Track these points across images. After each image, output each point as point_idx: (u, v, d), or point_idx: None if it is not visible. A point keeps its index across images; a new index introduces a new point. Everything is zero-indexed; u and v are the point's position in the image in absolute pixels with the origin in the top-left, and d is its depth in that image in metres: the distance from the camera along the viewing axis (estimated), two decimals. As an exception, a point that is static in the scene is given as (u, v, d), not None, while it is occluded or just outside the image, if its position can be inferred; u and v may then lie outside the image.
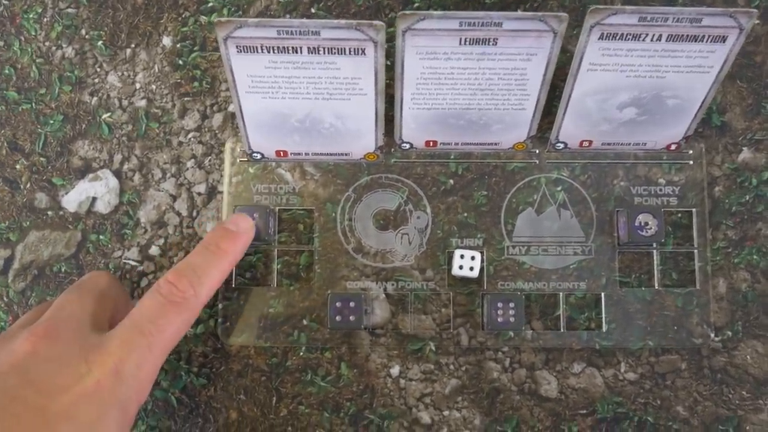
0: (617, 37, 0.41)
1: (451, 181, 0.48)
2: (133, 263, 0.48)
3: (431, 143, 0.48)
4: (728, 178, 0.49)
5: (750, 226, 0.48)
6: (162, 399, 0.47)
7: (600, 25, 0.40)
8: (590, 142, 0.48)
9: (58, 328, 0.38)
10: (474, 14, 0.39)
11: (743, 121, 0.49)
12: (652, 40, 0.41)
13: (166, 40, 0.50)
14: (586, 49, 0.41)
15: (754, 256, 0.48)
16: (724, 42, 0.41)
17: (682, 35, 0.40)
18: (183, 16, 0.50)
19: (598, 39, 0.41)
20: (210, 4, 0.49)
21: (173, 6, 0.50)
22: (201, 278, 0.41)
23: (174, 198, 0.49)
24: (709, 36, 0.41)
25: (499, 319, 0.46)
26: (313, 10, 0.50)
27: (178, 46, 0.50)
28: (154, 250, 0.48)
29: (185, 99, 0.49)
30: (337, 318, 0.46)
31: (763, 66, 0.49)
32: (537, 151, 0.49)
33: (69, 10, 0.50)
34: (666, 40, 0.41)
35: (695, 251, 0.48)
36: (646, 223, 0.46)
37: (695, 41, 0.41)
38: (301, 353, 0.47)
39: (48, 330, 0.37)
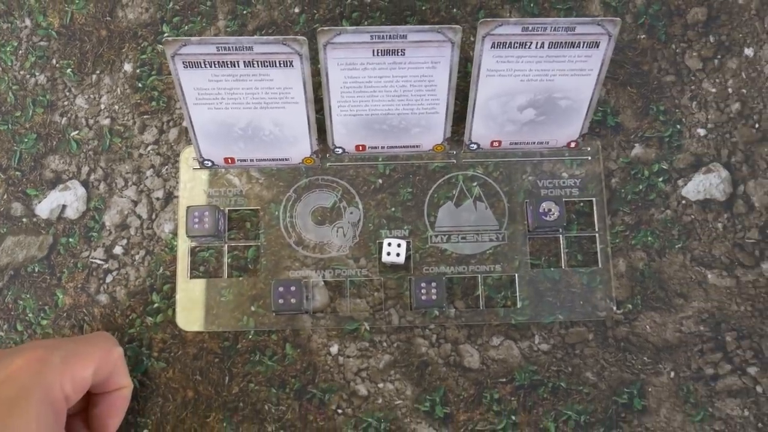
0: (507, 46, 0.48)
1: (380, 181, 0.55)
2: (99, 262, 0.54)
3: (361, 147, 0.55)
4: (623, 170, 0.56)
5: (644, 211, 0.55)
6: (125, 383, 0.52)
7: (490, 35, 0.47)
8: (499, 142, 0.55)
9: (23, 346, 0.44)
10: (382, 28, 0.46)
11: (634, 121, 0.56)
12: (536, 47, 0.48)
13: (127, 66, 0.57)
14: (482, 57, 0.49)
15: (649, 238, 0.54)
16: (597, 47, 0.48)
17: (561, 42, 0.48)
18: (142, 45, 0.57)
19: (491, 47, 0.48)
20: (166, 35, 0.57)
21: (133, 37, 0.57)
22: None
23: (135, 203, 0.55)
24: (584, 42, 0.48)
25: (423, 298, 0.52)
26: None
27: (138, 71, 0.57)
28: (117, 250, 0.54)
29: (144, 117, 0.56)
30: (280, 301, 0.51)
31: (650, 74, 0.57)
32: (454, 152, 0.55)
33: (41, 43, 0.57)
34: (548, 47, 0.48)
35: (597, 235, 0.54)
36: (549, 210, 0.53)
37: (573, 47, 0.48)
38: (250, 336, 0.53)
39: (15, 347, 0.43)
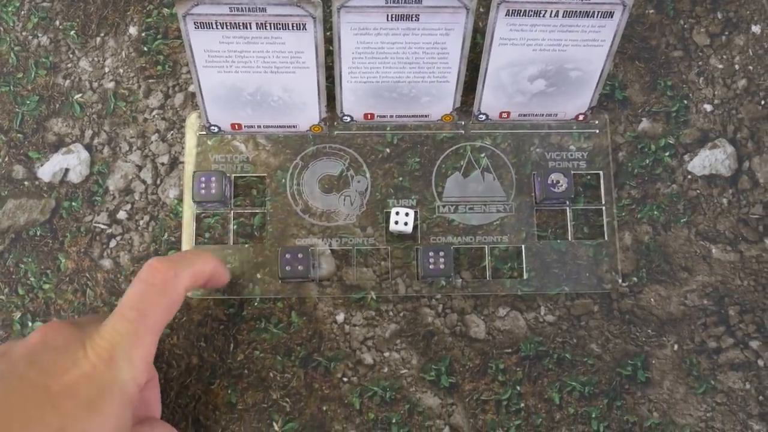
0: (521, 14, 0.48)
1: (388, 150, 0.55)
2: (103, 227, 0.53)
3: (369, 116, 0.54)
4: (630, 144, 0.56)
5: (650, 186, 0.55)
6: (128, 349, 0.52)
7: (506, 2, 0.47)
8: (508, 113, 0.54)
9: (64, 323, 0.42)
10: (398, -8, 0.46)
11: (642, 95, 0.56)
12: (551, 15, 0.48)
13: (132, 30, 0.56)
14: (496, 25, 0.48)
15: (655, 212, 0.55)
16: (611, 17, 0.48)
17: (576, 11, 0.48)
18: (147, 8, 0.56)
19: (506, 15, 0.48)
20: (172, -2, 0.56)
21: (139, 0, 0.56)
22: (181, 263, 0.44)
23: (140, 168, 0.54)
24: (598, 12, 0.48)
25: (431, 266, 0.52)
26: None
27: (143, 34, 0.56)
28: (121, 215, 0.53)
29: (150, 81, 0.55)
30: (287, 268, 0.51)
31: (658, 49, 0.57)
32: (463, 123, 0.55)
33: (44, 3, 0.56)
34: (563, 16, 0.48)
35: (603, 208, 0.54)
36: (558, 181, 0.53)
37: (587, 16, 0.48)
38: (256, 304, 0.53)
39: (56, 323, 0.42)
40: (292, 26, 0.47)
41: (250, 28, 0.47)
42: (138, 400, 0.42)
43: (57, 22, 0.55)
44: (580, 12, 0.48)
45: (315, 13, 0.46)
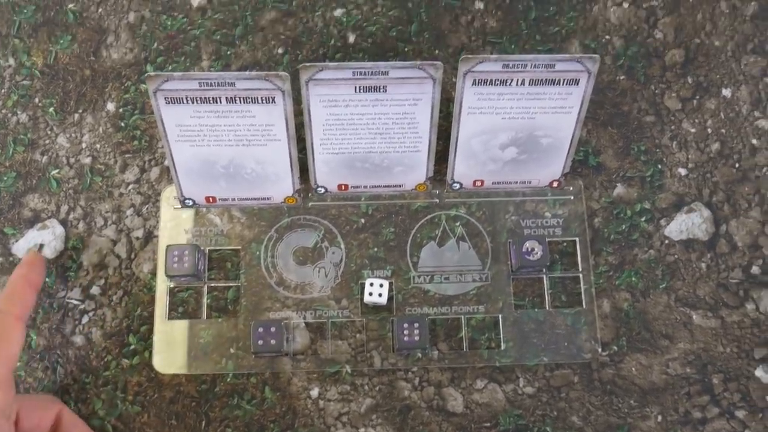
0: (488, 83, 0.48)
1: (363, 220, 0.55)
2: (76, 302, 0.53)
3: (343, 187, 0.54)
4: (606, 210, 0.55)
5: (627, 251, 0.55)
6: (99, 427, 0.51)
7: (471, 72, 0.48)
8: (482, 181, 0.54)
9: None
10: (363, 64, 0.47)
11: (616, 161, 0.56)
12: (517, 84, 0.48)
13: (110, 106, 0.56)
14: (463, 95, 0.49)
15: (633, 278, 0.54)
16: (577, 84, 0.49)
17: (542, 79, 0.48)
18: (125, 84, 0.57)
19: (472, 84, 0.48)
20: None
21: (117, 77, 0.57)
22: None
23: (114, 243, 0.54)
24: (563, 79, 0.48)
25: (406, 339, 0.51)
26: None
27: (121, 110, 0.56)
28: (95, 290, 0.53)
29: (126, 156, 0.56)
30: (260, 342, 0.50)
31: (630, 114, 0.57)
32: (437, 192, 0.55)
33: (24, 81, 0.57)
34: (529, 84, 0.48)
35: (580, 275, 0.54)
36: (533, 249, 0.52)
37: (553, 84, 0.48)
38: (229, 379, 0.52)
39: None
40: (262, 100, 0.48)
41: (220, 103, 0.48)
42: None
43: (36, 100, 0.56)
44: (546, 80, 0.48)
45: (283, 86, 0.47)
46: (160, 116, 0.48)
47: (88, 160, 0.55)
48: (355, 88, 0.48)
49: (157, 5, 0.58)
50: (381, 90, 0.48)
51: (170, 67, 0.57)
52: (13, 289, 0.49)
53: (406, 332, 0.51)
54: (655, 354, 0.52)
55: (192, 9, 0.58)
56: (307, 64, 0.46)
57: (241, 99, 0.47)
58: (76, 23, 0.58)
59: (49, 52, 0.57)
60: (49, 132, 0.56)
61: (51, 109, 0.56)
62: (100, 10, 0.58)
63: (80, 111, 0.56)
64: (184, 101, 0.47)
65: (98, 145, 0.56)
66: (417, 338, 0.51)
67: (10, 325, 0.46)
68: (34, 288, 0.50)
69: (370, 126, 0.50)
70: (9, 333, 0.46)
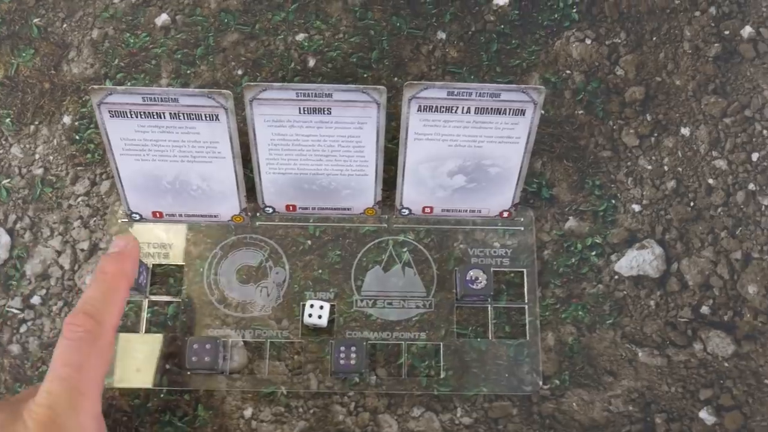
0: (433, 109, 0.48)
1: (309, 242, 0.54)
2: (15, 311, 0.53)
3: (291, 207, 0.54)
4: (556, 243, 0.55)
5: (576, 285, 0.54)
6: (29, 439, 0.50)
7: (416, 98, 0.48)
8: (431, 208, 0.54)
9: (4, 402, 0.42)
10: (307, 86, 0.47)
11: (569, 194, 0.56)
12: (463, 112, 0.48)
13: (67, 119, 0.57)
14: (409, 120, 0.49)
15: (580, 312, 0.53)
16: (524, 115, 0.48)
17: (487, 108, 0.48)
18: (83, 99, 0.57)
19: (417, 111, 0.48)
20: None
21: (75, 91, 0.57)
22: (96, 306, 0.44)
23: (59, 253, 0.54)
24: (509, 109, 0.48)
25: (342, 362, 0.50)
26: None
27: (77, 123, 0.57)
28: (35, 300, 0.53)
29: (78, 168, 0.56)
30: (194, 359, 0.50)
31: (587, 148, 0.57)
32: (386, 216, 0.55)
33: (-17, 91, 0.57)
34: (474, 113, 0.48)
35: (526, 307, 0.53)
36: (476, 278, 0.52)
37: (499, 114, 0.48)
38: (162, 395, 0.51)
39: None
40: (205, 116, 0.48)
41: (164, 118, 0.48)
42: None
43: (-6, 110, 0.57)
44: (492, 109, 0.48)
45: (226, 104, 0.47)
46: (105, 129, 0.48)
47: (39, 171, 0.56)
48: (300, 109, 0.48)
49: (122, 23, 0.59)
50: (325, 112, 0.48)
51: (129, 84, 0.57)
52: (107, 288, 0.45)
53: (342, 356, 0.50)
54: (598, 390, 0.51)
55: (156, 28, 0.59)
56: (251, 83, 0.47)
57: (185, 115, 0.48)
58: (40, 37, 0.59)
59: (11, 65, 0.58)
60: (3, 142, 0.56)
61: (8, 120, 0.57)
62: (65, 25, 0.59)
63: (36, 123, 0.57)
64: (128, 115, 0.48)
65: (51, 157, 0.56)
66: (353, 362, 0.50)
67: (107, 342, 0.43)
68: (129, 283, 0.46)
69: (315, 148, 0.50)
70: (107, 351, 0.43)
